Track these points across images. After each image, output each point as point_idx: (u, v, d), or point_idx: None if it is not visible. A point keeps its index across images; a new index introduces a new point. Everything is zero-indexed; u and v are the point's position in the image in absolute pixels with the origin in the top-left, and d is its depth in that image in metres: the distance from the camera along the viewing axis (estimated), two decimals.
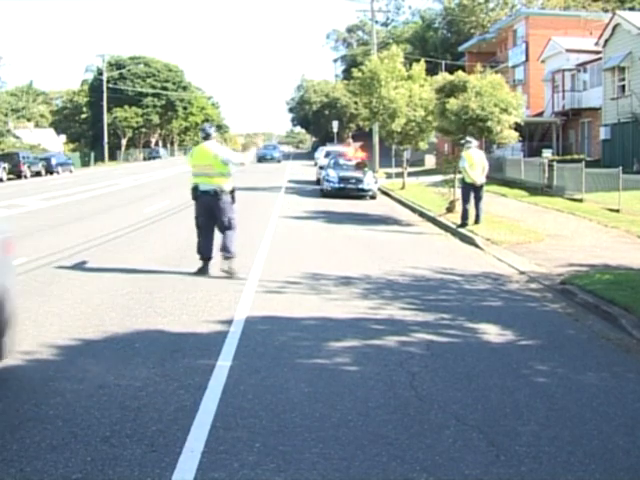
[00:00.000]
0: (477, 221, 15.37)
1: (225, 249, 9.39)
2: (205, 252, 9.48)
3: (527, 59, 42.86)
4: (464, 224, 15.16)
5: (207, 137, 9.61)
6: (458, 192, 18.19)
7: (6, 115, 60.10)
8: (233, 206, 9.55)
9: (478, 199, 15.53)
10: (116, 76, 73.97)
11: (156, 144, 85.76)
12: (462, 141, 16.10)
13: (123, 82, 75.22)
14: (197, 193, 9.44)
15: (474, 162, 15.45)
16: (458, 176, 18.35)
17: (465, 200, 15.40)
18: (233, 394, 4.88)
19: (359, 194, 24.07)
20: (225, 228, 9.43)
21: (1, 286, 4.99)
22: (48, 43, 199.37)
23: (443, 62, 50.99)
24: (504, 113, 16.28)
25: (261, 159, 54.99)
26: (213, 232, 9.56)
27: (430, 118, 24.00)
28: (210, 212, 9.42)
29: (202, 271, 9.37)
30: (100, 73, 71.85)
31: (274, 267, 10.09)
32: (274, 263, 10.46)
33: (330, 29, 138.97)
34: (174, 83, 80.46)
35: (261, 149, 57.09)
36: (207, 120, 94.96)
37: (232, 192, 9.51)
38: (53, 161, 46.41)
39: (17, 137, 60.34)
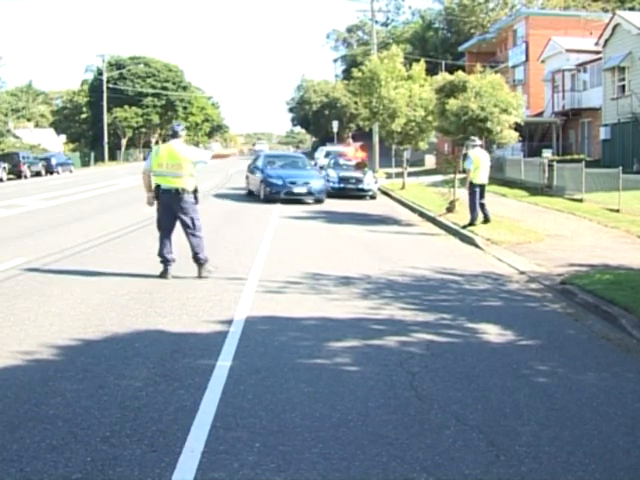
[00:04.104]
0: (487, 220, 15.40)
1: (196, 259, 9.15)
2: (166, 254, 9.14)
3: (527, 59, 42.91)
4: (472, 224, 15.17)
5: (175, 135, 9.35)
6: (458, 192, 18.20)
7: (6, 115, 60.04)
8: (196, 207, 9.29)
9: (483, 199, 15.57)
10: (116, 76, 73.96)
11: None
12: (468, 141, 16.09)
13: (123, 82, 75.20)
14: (159, 192, 9.18)
15: (480, 163, 15.49)
16: (458, 176, 18.35)
17: (474, 201, 15.39)
18: (233, 394, 4.88)
19: (359, 194, 24.05)
20: (190, 231, 9.15)
21: None
22: (48, 43, 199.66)
23: (443, 62, 51.01)
24: (504, 113, 16.27)
25: (274, 191, 21.28)
26: (172, 234, 9.27)
27: (430, 118, 24.00)
28: (171, 212, 9.16)
29: (163, 274, 9.05)
30: (100, 73, 71.84)
31: (274, 267, 10.09)
32: (274, 263, 10.46)
33: (330, 29, 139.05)
34: (174, 83, 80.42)
35: (264, 168, 22.48)
36: (207, 120, 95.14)
37: (195, 192, 9.22)
38: (53, 161, 46.46)
39: (17, 137, 60.32)
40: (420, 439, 4.22)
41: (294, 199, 21.16)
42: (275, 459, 3.89)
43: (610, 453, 4.13)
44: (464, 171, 16.28)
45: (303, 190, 21.49)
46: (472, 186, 15.40)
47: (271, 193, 21.28)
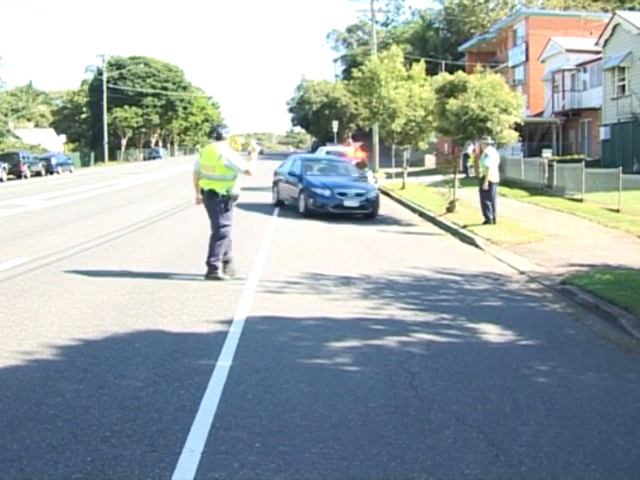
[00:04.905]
0: (494, 221, 15.46)
1: (208, 263, 9.04)
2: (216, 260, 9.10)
3: (527, 59, 42.88)
4: (488, 222, 15.34)
5: (218, 137, 9.35)
6: (458, 192, 18.20)
7: (6, 115, 60.03)
8: (227, 214, 9.14)
9: (495, 198, 15.67)
10: (116, 76, 73.99)
11: (156, 144, 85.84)
12: (483, 140, 16.15)
13: (123, 82, 75.24)
14: (203, 193, 9.28)
15: (494, 160, 15.66)
16: (458, 176, 18.35)
17: (486, 201, 15.47)
18: (233, 394, 4.88)
19: None
20: (213, 236, 9.10)
21: None
22: (48, 43, 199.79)
23: (443, 62, 50.96)
24: (504, 113, 16.27)
25: (319, 204, 17.36)
26: None
27: (430, 118, 23.98)
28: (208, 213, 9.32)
29: (208, 275, 9.00)
30: (100, 73, 71.89)
31: (274, 267, 10.09)
32: (274, 263, 10.46)
33: (330, 29, 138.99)
34: (174, 83, 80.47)
35: (303, 174, 18.45)
36: (207, 120, 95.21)
37: (225, 197, 9.08)
38: (53, 161, 46.48)
39: (17, 137, 60.35)
40: (420, 439, 4.22)
41: (344, 214, 17.26)
42: (275, 459, 3.89)
43: (610, 453, 4.13)
44: (464, 170, 16.32)
45: (355, 203, 17.45)
46: (490, 184, 15.50)
47: (315, 206, 17.34)
